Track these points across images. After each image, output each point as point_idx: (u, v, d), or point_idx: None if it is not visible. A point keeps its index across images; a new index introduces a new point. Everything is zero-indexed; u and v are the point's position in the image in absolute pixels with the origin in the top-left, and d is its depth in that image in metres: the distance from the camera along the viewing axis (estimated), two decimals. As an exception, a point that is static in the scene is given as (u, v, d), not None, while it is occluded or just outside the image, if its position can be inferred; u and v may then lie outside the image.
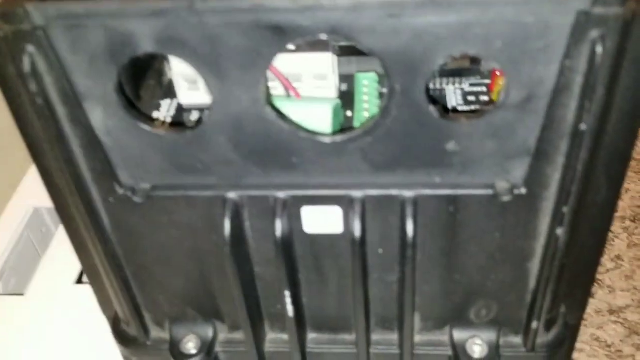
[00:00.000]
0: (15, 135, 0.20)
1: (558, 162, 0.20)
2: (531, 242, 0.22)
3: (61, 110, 0.19)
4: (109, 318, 0.28)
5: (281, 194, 0.21)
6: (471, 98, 0.25)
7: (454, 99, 0.25)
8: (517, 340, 0.25)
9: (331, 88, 0.24)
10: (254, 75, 0.18)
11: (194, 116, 0.25)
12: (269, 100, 0.19)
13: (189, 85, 0.24)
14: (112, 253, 0.23)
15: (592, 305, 0.54)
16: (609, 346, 0.50)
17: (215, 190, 0.21)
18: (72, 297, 0.41)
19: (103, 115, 0.19)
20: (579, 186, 0.20)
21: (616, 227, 0.56)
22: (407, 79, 0.18)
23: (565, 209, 0.20)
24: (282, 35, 0.17)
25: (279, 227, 0.21)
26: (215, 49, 0.17)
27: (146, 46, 0.18)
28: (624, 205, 0.58)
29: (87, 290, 0.42)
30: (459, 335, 0.25)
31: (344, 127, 0.24)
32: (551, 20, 0.17)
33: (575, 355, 0.53)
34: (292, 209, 0.21)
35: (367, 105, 0.24)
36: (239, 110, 0.19)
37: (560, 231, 0.21)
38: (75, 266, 0.43)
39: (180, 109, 0.25)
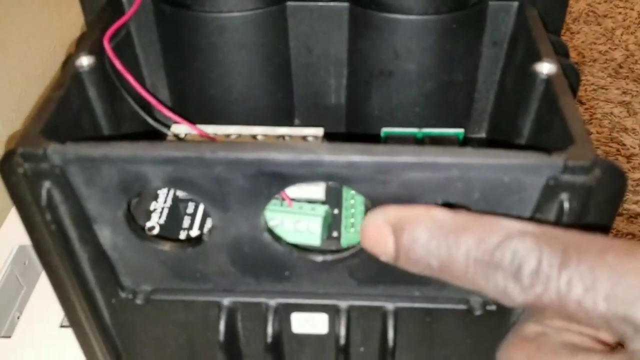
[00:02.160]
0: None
1: (526, 287, 0.22)
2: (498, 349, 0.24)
3: (72, 232, 0.20)
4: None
5: (272, 302, 0.23)
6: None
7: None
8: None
9: (319, 190, 0.26)
10: (255, 209, 0.20)
11: (190, 208, 0.26)
12: (266, 226, 0.21)
13: (187, 181, 0.26)
14: (111, 343, 0.24)
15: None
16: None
17: (211, 296, 0.23)
18: (56, 341, 0.42)
19: (111, 234, 0.21)
20: (544, 306, 0.22)
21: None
22: (394, 217, 0.20)
23: (530, 326, 0.22)
24: (282, 180, 0.19)
25: (270, 331, 0.23)
26: (221, 189, 0.19)
27: (156, 184, 0.19)
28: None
29: (70, 333, 0.43)
30: (429, 417, 0.27)
31: (331, 227, 0.26)
32: (525, 181, 0.19)
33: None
34: (282, 313, 0.23)
35: (354, 209, 0.26)
36: (238, 234, 0.21)
37: (525, 342, 0.23)
38: (59, 310, 0.44)
39: (177, 200, 0.27)
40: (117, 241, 0.21)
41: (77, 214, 0.20)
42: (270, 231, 0.21)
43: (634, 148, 0.86)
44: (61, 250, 0.20)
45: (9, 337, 0.43)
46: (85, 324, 0.24)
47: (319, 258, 0.22)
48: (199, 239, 0.21)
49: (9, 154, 0.19)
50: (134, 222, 0.21)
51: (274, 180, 0.19)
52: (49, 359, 0.41)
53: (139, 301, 0.23)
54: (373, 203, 0.19)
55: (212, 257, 0.21)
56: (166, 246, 0.21)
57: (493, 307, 0.23)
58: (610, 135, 0.88)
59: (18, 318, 0.49)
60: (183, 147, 0.18)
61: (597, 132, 0.89)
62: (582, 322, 0.15)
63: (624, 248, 0.15)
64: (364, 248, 0.19)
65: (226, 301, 0.23)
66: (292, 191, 0.26)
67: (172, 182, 0.19)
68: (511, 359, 0.18)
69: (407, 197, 0.19)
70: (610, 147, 0.87)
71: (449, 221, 0.17)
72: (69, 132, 0.20)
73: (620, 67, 1.05)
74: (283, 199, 0.25)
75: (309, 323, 0.24)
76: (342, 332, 0.23)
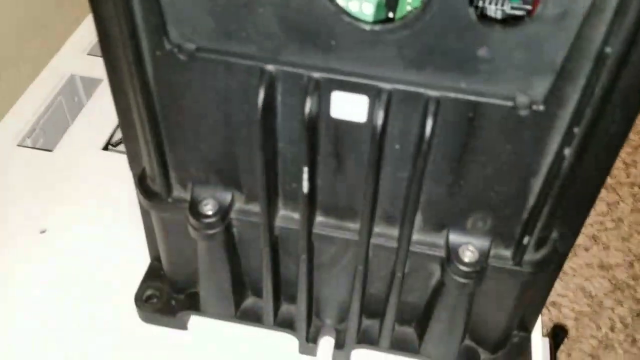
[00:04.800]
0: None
1: (579, 83, 0.21)
2: (539, 159, 0.23)
3: (127, -41, 0.20)
4: (135, 174, 0.30)
5: (315, 74, 0.22)
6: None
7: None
8: (507, 253, 0.27)
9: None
10: (311, -50, 0.19)
11: None
12: (319, -22, 0.20)
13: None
14: (150, 105, 0.24)
15: (585, 258, 0.56)
16: (592, 297, 0.52)
17: (254, 61, 0.23)
18: (96, 161, 0.44)
19: (164, -31, 0.21)
20: (594, 110, 0.21)
21: (624, 192, 0.57)
22: (453, -23, 0.19)
23: (576, 130, 0.21)
24: None
25: (308, 106, 0.23)
26: None
27: None
28: (637, 172, 0.59)
29: (110, 156, 0.44)
30: (454, 239, 0.27)
31: (383, 25, 0.25)
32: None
33: (558, 299, 0.56)
34: (322, 90, 0.23)
35: (409, 7, 0.25)
36: (290, -16, 0.20)
37: (567, 151, 0.22)
38: (103, 135, 0.45)
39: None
40: (169, -21, 0.21)
41: None
42: (323, -14, 0.20)
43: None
44: (114, -25, 0.20)
45: (51, 150, 0.45)
46: (126, 79, 0.24)
47: (368, 26, 0.21)
48: (250, -11, 0.21)
49: None
50: (188, -42, 0.20)
51: None
52: (89, 176, 0.42)
53: (182, 57, 0.23)
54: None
55: (260, 10, 0.21)
56: (217, -7, 0.21)
57: (540, 108, 0.22)
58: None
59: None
60: None
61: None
62: None
63: None
64: None
65: (269, 67, 0.23)
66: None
67: None
68: None
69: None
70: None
71: None
72: None
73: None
74: (339, -20, 0.24)
75: (348, 107, 0.23)
76: (380, 115, 0.23)
